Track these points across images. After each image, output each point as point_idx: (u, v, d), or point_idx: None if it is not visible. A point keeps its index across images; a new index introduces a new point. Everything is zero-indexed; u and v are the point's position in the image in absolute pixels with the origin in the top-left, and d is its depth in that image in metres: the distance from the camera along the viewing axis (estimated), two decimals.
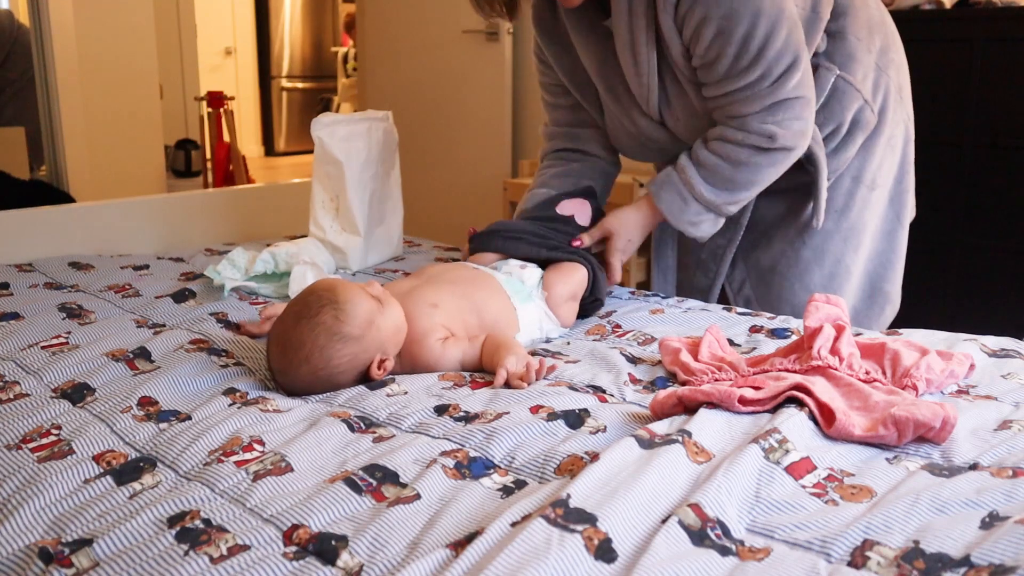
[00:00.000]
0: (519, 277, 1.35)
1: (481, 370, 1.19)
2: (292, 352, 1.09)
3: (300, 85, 8.65)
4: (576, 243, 1.43)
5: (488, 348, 1.18)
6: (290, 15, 8.50)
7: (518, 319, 1.29)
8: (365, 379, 1.14)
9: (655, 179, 1.46)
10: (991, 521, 0.72)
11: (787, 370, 1.05)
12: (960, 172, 2.47)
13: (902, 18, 2.48)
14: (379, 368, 1.13)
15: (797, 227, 1.53)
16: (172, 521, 0.78)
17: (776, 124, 1.34)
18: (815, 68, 1.44)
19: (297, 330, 1.10)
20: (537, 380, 1.10)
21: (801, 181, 1.49)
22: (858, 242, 1.54)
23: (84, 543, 0.75)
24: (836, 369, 1.02)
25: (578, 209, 1.50)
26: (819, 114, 1.45)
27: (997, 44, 2.37)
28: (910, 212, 1.62)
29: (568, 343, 1.30)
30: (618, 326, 1.37)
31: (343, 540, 0.74)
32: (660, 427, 0.91)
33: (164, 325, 1.37)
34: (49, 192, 3.20)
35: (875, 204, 1.55)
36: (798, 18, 1.34)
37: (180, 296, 1.51)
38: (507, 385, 1.09)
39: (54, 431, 0.98)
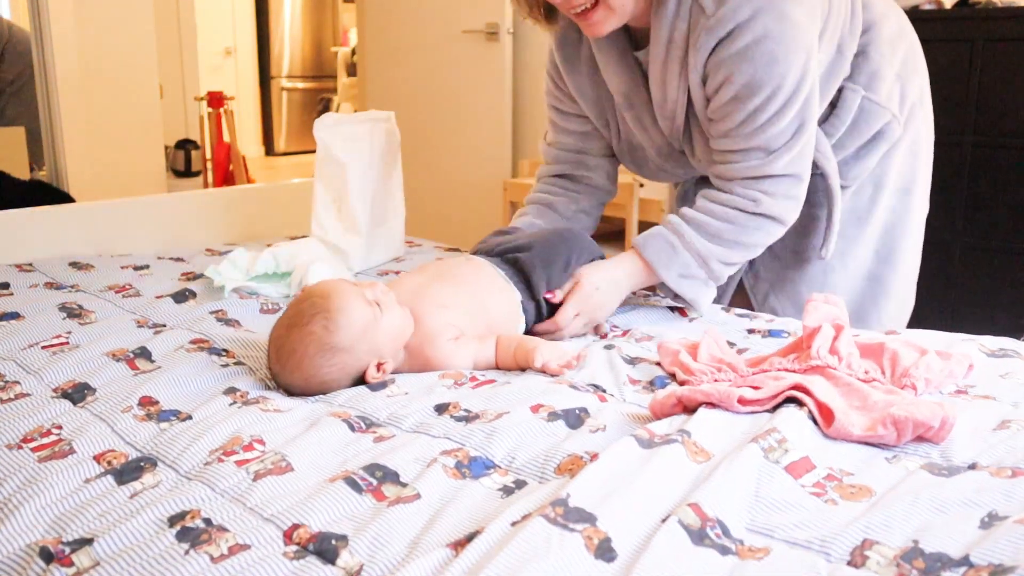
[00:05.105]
0: None
1: (492, 370, 1.19)
2: (285, 358, 1.10)
3: (300, 85, 8.64)
4: (548, 296, 1.33)
5: (505, 347, 1.19)
6: (290, 15, 8.49)
7: (522, 312, 1.30)
8: (363, 381, 1.14)
9: (640, 235, 1.40)
10: (990, 521, 0.72)
11: (786, 370, 1.05)
12: (960, 172, 2.47)
13: None
14: (377, 370, 1.13)
15: (812, 246, 1.52)
16: (172, 520, 0.78)
17: (761, 192, 1.33)
18: (840, 91, 1.44)
19: (289, 338, 1.10)
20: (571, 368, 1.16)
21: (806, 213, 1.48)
22: (888, 253, 1.54)
23: (85, 542, 0.76)
24: (835, 369, 1.02)
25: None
26: (846, 135, 1.46)
27: (997, 44, 2.38)
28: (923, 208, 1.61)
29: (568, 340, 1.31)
30: (615, 325, 1.37)
31: (343, 539, 0.74)
32: (660, 427, 0.91)
33: (164, 325, 1.37)
34: (49, 192, 3.20)
35: (909, 210, 1.54)
36: (817, 85, 1.32)
37: (180, 296, 1.51)
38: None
39: (55, 431, 0.98)
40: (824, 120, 1.46)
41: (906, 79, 1.50)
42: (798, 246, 1.53)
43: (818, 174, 1.45)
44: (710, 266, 1.35)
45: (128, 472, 0.88)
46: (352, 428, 0.97)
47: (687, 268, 1.35)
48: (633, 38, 1.43)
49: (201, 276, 1.64)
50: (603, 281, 1.34)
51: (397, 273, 1.75)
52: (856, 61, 1.45)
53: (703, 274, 1.36)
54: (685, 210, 1.38)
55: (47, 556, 0.74)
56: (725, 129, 1.33)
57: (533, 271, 1.31)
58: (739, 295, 1.62)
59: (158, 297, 1.52)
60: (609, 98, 1.50)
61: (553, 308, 1.33)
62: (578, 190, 1.59)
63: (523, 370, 1.18)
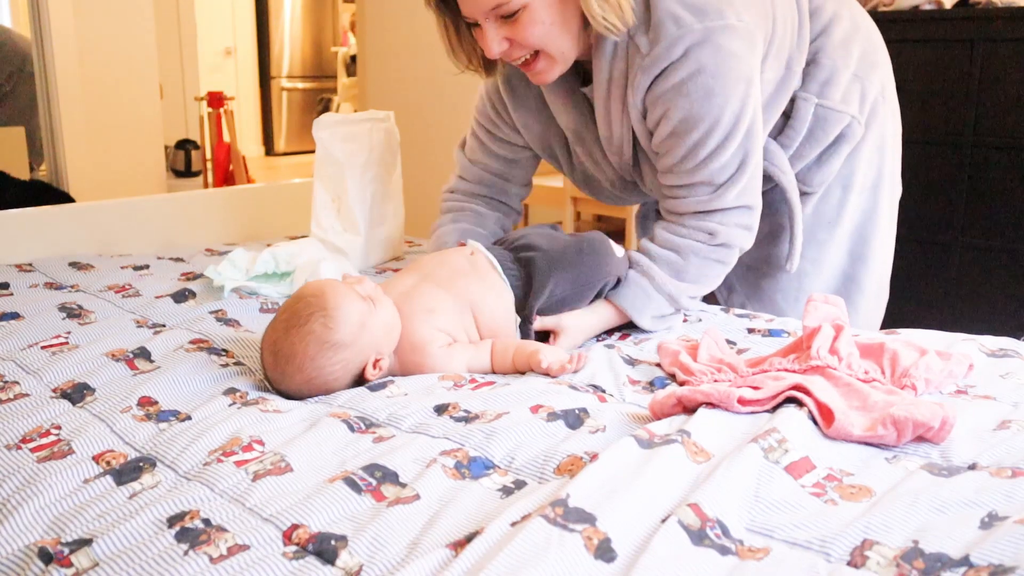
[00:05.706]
0: None
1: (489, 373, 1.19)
2: (284, 362, 1.09)
3: (300, 85, 8.65)
4: (534, 320, 1.29)
5: (502, 352, 1.19)
6: (290, 15, 8.50)
7: (514, 311, 1.27)
8: (361, 380, 1.14)
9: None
10: (990, 521, 0.72)
11: (786, 370, 1.05)
12: (960, 172, 2.47)
13: (902, 18, 2.48)
14: (374, 367, 1.13)
15: (784, 254, 1.52)
16: (172, 521, 0.78)
17: (715, 223, 1.32)
18: (792, 101, 1.42)
19: (288, 340, 1.09)
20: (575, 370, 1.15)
21: (775, 222, 1.48)
22: (861, 252, 1.53)
23: (84, 543, 0.75)
24: (835, 369, 1.02)
25: None
26: (804, 144, 1.44)
27: (997, 44, 2.37)
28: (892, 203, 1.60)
29: None
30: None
31: (343, 540, 0.74)
32: (659, 427, 0.91)
33: (164, 325, 1.37)
34: (49, 192, 3.20)
35: (877, 206, 1.53)
36: (760, 114, 1.31)
37: (180, 296, 1.51)
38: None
39: (54, 431, 0.98)
40: (779, 132, 1.44)
41: (865, 77, 1.47)
42: (771, 256, 1.53)
43: (778, 188, 1.44)
44: (680, 303, 1.34)
45: (127, 472, 0.88)
46: (351, 428, 0.97)
47: (659, 310, 1.34)
48: (583, 73, 1.41)
49: (201, 276, 1.64)
50: (587, 334, 1.32)
51: (396, 271, 1.75)
52: (807, 69, 1.43)
53: (673, 310, 1.36)
54: (650, 246, 1.36)
55: (46, 557, 0.74)
56: (669, 164, 1.32)
57: (538, 273, 1.25)
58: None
59: (158, 297, 1.51)
60: (557, 133, 1.50)
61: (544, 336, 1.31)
62: (493, 207, 1.60)
63: (522, 373, 1.18)
